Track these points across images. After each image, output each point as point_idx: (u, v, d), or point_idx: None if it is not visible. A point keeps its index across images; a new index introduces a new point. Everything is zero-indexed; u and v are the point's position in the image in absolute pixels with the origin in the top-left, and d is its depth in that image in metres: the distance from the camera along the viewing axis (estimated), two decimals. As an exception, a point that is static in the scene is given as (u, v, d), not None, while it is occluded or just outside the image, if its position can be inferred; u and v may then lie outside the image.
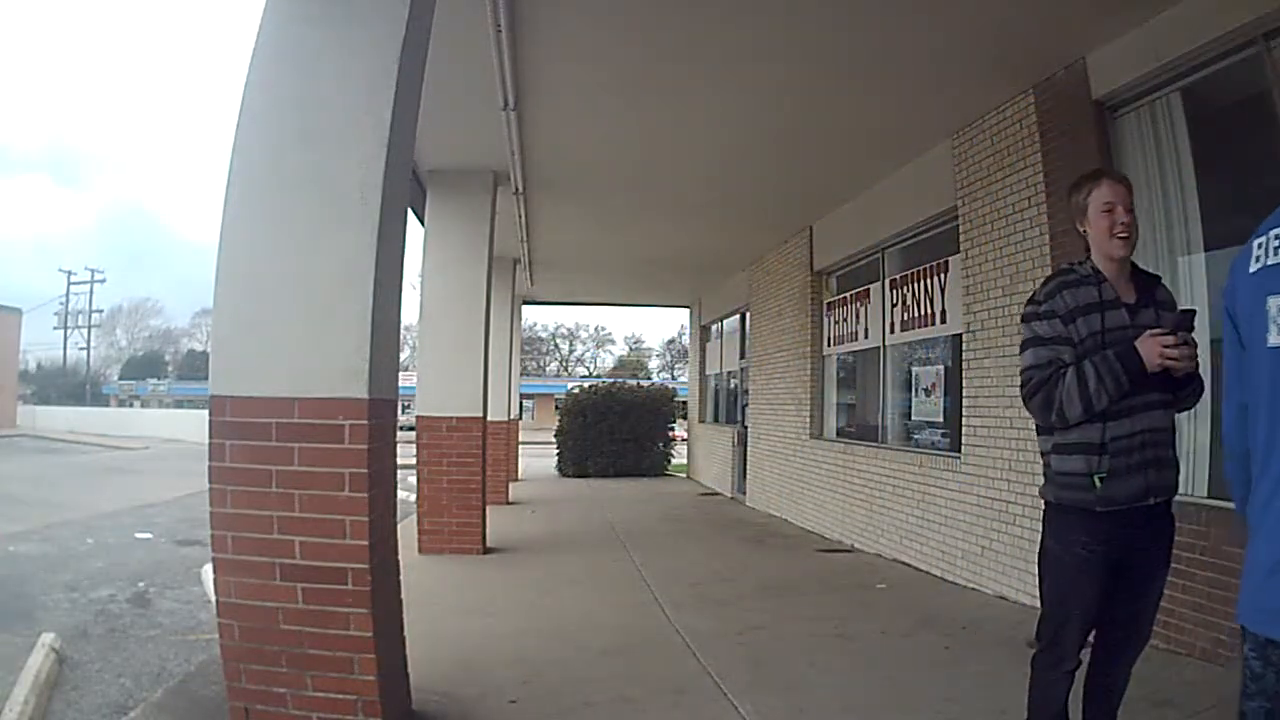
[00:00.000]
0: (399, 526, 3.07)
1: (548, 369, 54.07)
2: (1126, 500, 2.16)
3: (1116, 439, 2.16)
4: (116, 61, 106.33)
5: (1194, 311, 2.20)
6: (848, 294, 8.05)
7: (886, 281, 7.18)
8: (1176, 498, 2.26)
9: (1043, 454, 2.33)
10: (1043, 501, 2.33)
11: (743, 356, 11.87)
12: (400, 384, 3.25)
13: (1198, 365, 2.19)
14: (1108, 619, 2.26)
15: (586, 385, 16.46)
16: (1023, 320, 2.33)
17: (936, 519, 5.83)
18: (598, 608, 4.96)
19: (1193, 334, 2.14)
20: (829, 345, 8.54)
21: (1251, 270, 1.41)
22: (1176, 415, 2.26)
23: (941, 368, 6.30)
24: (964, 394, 5.50)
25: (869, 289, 7.53)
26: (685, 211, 8.32)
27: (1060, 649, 2.28)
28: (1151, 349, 2.12)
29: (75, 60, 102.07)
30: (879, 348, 7.28)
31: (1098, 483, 2.15)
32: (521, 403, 22.22)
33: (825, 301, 8.65)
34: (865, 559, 6.64)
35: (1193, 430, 3.73)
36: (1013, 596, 4.89)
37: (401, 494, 3.48)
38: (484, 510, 6.76)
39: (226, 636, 2.68)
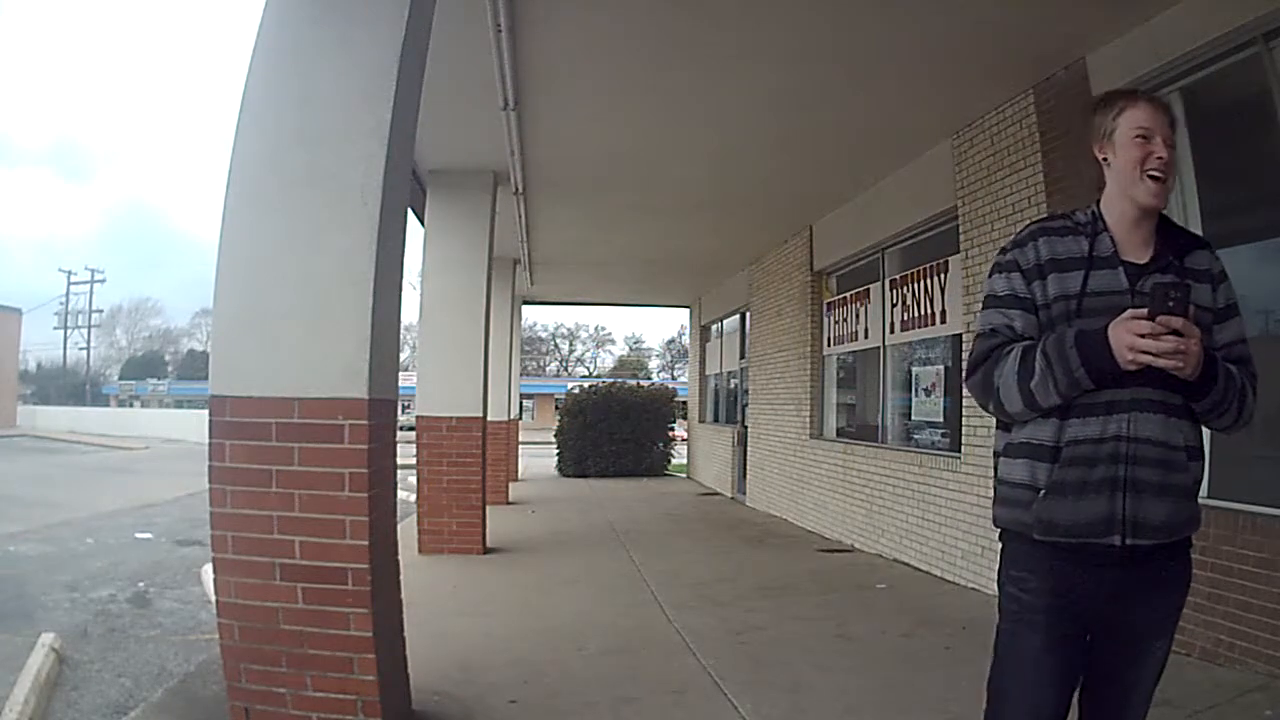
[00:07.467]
0: (399, 526, 3.07)
1: (548, 369, 54.08)
2: (1074, 530, 1.55)
3: (1076, 442, 1.54)
4: (122, 58, 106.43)
5: (1183, 284, 1.46)
6: (848, 294, 8.05)
7: (886, 281, 7.18)
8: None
9: (995, 455, 1.75)
10: None
11: (743, 356, 11.87)
12: (400, 384, 3.25)
13: (1213, 365, 1.50)
14: (1085, 698, 1.70)
15: (586, 385, 16.45)
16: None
17: (936, 519, 5.83)
18: (597, 608, 4.96)
19: (1188, 316, 1.44)
20: (829, 345, 8.54)
21: None
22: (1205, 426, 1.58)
23: (941, 368, 6.30)
24: (964, 394, 5.50)
25: (869, 289, 7.53)
26: (685, 211, 8.32)
27: None
28: (1121, 338, 1.46)
29: (82, 56, 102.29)
30: (879, 348, 7.28)
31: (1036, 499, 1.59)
32: (521, 403, 22.25)
33: (825, 301, 8.65)
34: (865, 559, 6.64)
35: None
36: (1013, 596, 4.89)
37: (401, 494, 3.48)
38: (484, 510, 6.76)
39: (226, 636, 2.68)
